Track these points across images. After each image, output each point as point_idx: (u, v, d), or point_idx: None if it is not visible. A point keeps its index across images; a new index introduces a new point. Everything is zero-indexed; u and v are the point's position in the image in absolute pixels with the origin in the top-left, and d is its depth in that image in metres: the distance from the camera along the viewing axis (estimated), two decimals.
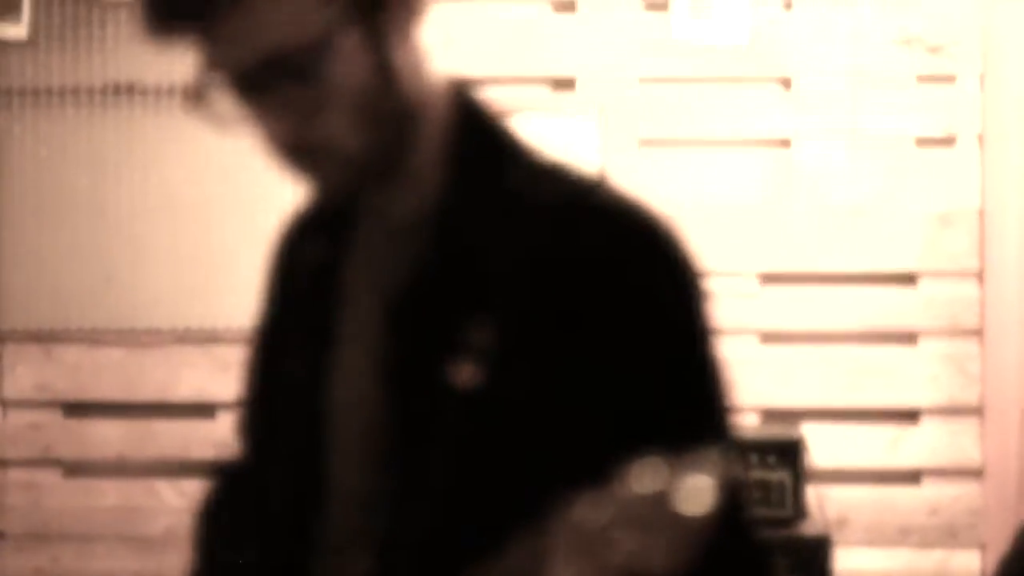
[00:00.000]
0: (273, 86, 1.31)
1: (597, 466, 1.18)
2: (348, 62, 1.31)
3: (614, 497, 1.08)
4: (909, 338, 3.72)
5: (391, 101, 1.34)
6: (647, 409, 1.31)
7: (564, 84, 3.75)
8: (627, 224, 1.34)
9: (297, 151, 1.34)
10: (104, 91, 3.77)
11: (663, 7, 3.70)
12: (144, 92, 3.75)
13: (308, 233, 1.52)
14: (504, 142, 1.40)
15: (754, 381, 3.60)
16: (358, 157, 1.34)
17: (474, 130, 1.40)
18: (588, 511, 1.09)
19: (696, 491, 1.04)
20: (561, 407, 1.30)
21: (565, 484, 1.19)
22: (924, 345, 3.72)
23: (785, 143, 3.73)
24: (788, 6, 3.70)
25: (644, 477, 1.07)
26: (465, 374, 1.31)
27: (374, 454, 1.38)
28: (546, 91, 3.74)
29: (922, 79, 3.70)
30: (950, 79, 3.69)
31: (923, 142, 3.71)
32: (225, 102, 1.35)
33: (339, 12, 1.31)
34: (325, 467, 1.42)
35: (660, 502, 1.05)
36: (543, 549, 1.13)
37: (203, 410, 3.81)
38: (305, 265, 1.49)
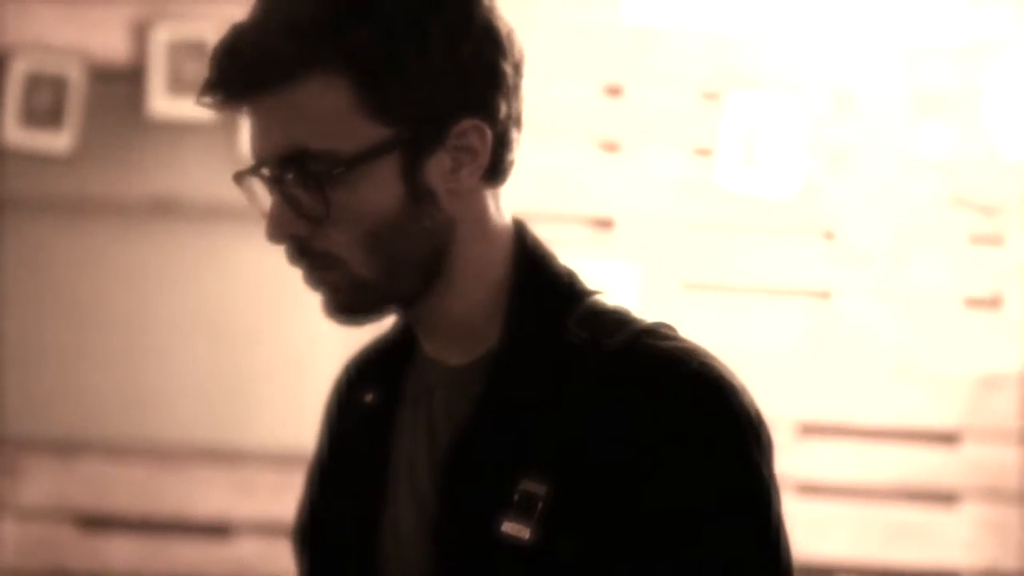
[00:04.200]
0: (289, 183, 1.29)
1: None
2: (372, 187, 1.28)
3: None
4: (948, 499, 3.66)
5: (412, 239, 1.31)
6: (699, 570, 1.26)
7: (603, 224, 3.73)
8: (684, 378, 1.28)
9: (302, 256, 1.32)
10: (144, 207, 3.77)
11: (708, 152, 3.70)
12: (184, 209, 3.75)
13: (364, 376, 1.48)
14: (564, 290, 1.37)
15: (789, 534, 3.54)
16: (368, 281, 1.31)
17: (534, 278, 1.36)
18: None
19: None
20: (612, 564, 1.26)
21: None
22: (963, 507, 3.65)
23: (825, 295, 3.70)
24: (836, 160, 3.70)
25: None
26: (516, 529, 1.27)
27: None
28: (585, 231, 3.73)
29: (974, 240, 3.68)
30: (999, 240, 3.68)
31: (971, 303, 3.68)
32: (261, 190, 1.33)
33: (387, 137, 1.28)
34: None
35: None
36: None
37: (220, 531, 3.75)
38: (359, 408, 1.46)
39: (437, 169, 1.30)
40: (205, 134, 3.72)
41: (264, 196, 1.32)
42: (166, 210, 3.76)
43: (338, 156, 1.27)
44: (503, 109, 1.33)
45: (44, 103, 3.76)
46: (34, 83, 3.76)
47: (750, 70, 3.68)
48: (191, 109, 3.71)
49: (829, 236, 3.70)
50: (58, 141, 3.75)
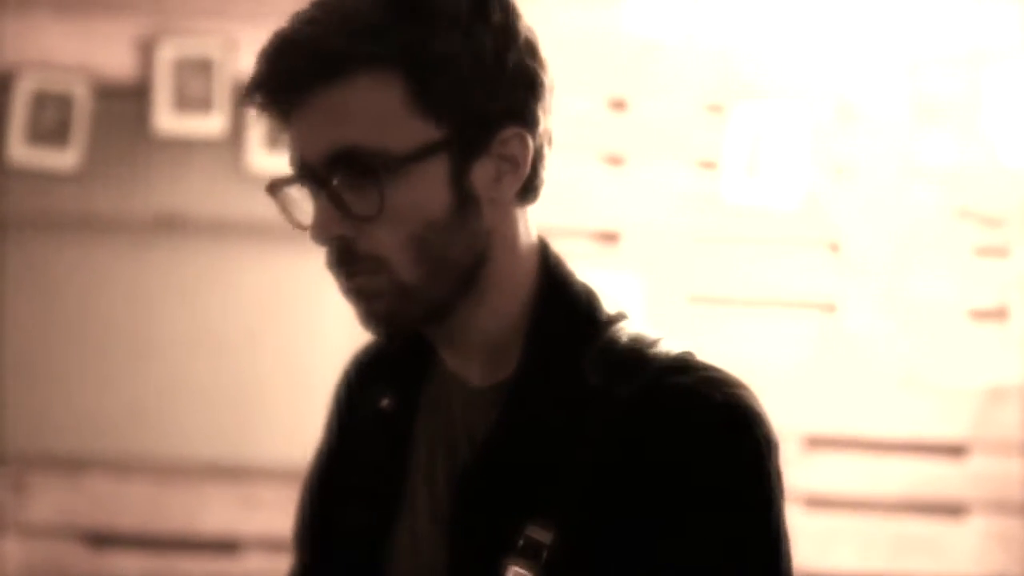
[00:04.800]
0: (338, 183, 1.27)
1: None
2: (421, 187, 1.28)
3: None
4: (955, 511, 3.66)
5: (456, 244, 1.30)
6: None
7: (608, 238, 3.73)
8: (699, 422, 1.27)
9: (345, 259, 1.30)
10: (150, 223, 3.77)
11: (712, 165, 3.70)
12: (189, 226, 3.75)
13: (375, 377, 1.47)
14: (582, 318, 1.35)
15: (796, 548, 3.53)
16: (410, 286, 1.29)
17: (554, 303, 1.35)
18: None
19: None
20: None
21: None
22: (970, 519, 3.65)
23: (830, 307, 3.70)
24: (840, 171, 3.70)
25: None
26: (520, 572, 1.27)
27: None
28: (590, 244, 3.73)
29: (979, 251, 3.68)
30: (1004, 252, 3.67)
31: (976, 314, 3.68)
32: (300, 196, 1.32)
33: (437, 137, 1.28)
34: None
35: None
36: None
37: (227, 547, 3.75)
38: (373, 411, 1.44)
39: (482, 176, 1.31)
40: (210, 151, 3.73)
41: (298, 206, 1.31)
42: (171, 227, 3.76)
43: (389, 154, 1.26)
44: (542, 120, 1.35)
45: (50, 121, 3.77)
46: (40, 101, 3.77)
47: (753, 82, 3.68)
48: (196, 126, 3.75)
49: (834, 248, 3.70)
50: (64, 158, 3.76)
